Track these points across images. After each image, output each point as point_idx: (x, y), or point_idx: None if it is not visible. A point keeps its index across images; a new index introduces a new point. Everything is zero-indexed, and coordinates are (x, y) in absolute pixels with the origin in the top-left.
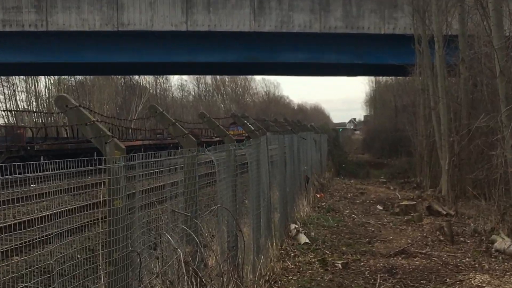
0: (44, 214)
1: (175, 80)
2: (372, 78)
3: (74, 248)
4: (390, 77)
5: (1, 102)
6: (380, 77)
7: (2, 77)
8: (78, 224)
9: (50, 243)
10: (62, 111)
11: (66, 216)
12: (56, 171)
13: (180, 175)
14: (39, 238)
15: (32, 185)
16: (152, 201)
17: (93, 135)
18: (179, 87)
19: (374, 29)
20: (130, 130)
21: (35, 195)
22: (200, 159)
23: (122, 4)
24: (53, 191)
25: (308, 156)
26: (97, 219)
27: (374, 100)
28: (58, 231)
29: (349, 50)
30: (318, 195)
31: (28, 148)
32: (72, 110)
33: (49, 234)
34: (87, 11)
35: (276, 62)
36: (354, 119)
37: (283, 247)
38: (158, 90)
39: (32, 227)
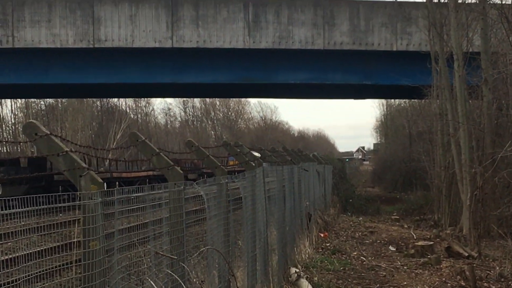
0: (8, 257)
1: (158, 103)
2: (383, 101)
3: None
4: (404, 100)
5: None
6: (392, 100)
7: None
8: (48, 269)
9: None
10: (31, 139)
11: (35, 259)
12: (23, 209)
13: (164, 212)
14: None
15: None
16: (133, 242)
17: (66, 167)
18: (163, 111)
19: (385, 45)
20: (108, 161)
21: None
22: (188, 193)
23: (98, 18)
24: (19, 230)
25: (311, 190)
26: (70, 263)
27: (385, 126)
28: (25, 277)
29: (357, 69)
30: (322, 235)
31: None
32: (42, 139)
33: (15, 280)
34: (59, 26)
35: (273, 83)
36: (363, 147)
37: None
38: (139, 115)
39: None
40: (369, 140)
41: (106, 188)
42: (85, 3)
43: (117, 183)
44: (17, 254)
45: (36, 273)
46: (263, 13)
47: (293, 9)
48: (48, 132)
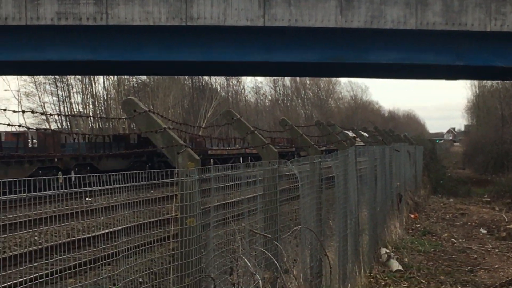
0: (100, 232)
1: (248, 81)
2: (475, 82)
3: (137, 271)
4: (496, 81)
5: (54, 105)
6: (484, 81)
7: (56, 76)
8: (145, 245)
9: (107, 265)
10: (130, 116)
11: (132, 234)
12: (119, 185)
13: (259, 190)
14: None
15: (87, 199)
16: (228, 220)
17: (163, 144)
18: (254, 89)
19: (478, 26)
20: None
21: (90, 210)
22: (281, 171)
23: None
24: (111, 205)
25: (401, 170)
26: (162, 239)
27: (477, 108)
28: (124, 251)
29: (449, 50)
30: (412, 216)
31: None
32: (141, 116)
33: (110, 256)
34: (152, 3)
35: (364, 62)
36: (453, 129)
37: (372, 274)
38: (230, 93)
39: (87, 246)
40: (459, 121)
41: (201, 165)
42: None
43: (211, 160)
44: (116, 228)
45: (136, 247)
46: None
47: None
48: (147, 109)
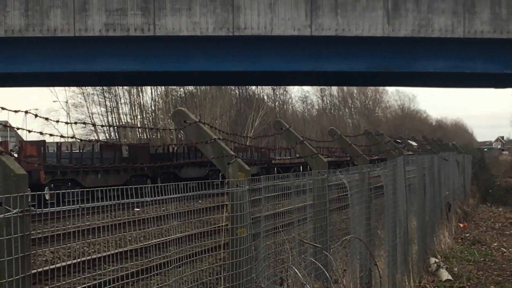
0: (148, 243)
1: (295, 91)
2: None
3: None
4: None
5: (102, 115)
6: None
7: (104, 87)
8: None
9: (157, 275)
10: (180, 127)
11: (183, 244)
12: (169, 196)
13: (308, 199)
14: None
15: (136, 209)
16: (277, 230)
17: (214, 155)
18: (301, 99)
19: None
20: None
21: (140, 220)
22: (330, 181)
23: (238, 6)
24: (160, 216)
25: (450, 179)
26: (211, 249)
27: None
28: (176, 260)
29: (497, 58)
30: (461, 225)
31: None
32: (191, 126)
33: (160, 266)
34: (199, 14)
35: (412, 71)
36: (502, 137)
37: (421, 284)
38: (277, 103)
39: (135, 256)
40: (508, 130)
41: (267, 173)
42: None
43: (275, 168)
44: (167, 238)
45: (186, 257)
46: (402, 1)
47: None
48: (197, 120)
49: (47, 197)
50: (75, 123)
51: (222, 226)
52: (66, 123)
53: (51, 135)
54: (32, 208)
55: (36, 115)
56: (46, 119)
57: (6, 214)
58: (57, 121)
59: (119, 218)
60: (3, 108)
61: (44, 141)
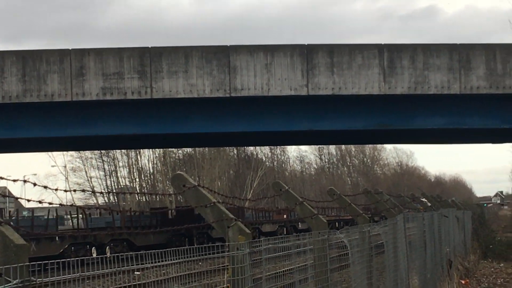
0: None
1: (293, 150)
2: None
3: None
4: None
5: (101, 179)
6: None
7: (102, 151)
8: None
9: None
10: (179, 191)
11: None
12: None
13: (309, 260)
14: None
15: (136, 273)
16: None
17: (213, 218)
18: (298, 158)
19: None
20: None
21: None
22: (331, 240)
23: (234, 67)
24: (162, 279)
25: (451, 236)
26: None
27: None
28: None
29: (495, 113)
30: (463, 281)
31: None
32: (190, 190)
33: None
34: (196, 76)
35: (409, 128)
36: (501, 192)
37: None
38: (275, 163)
39: None
40: (507, 185)
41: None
42: (220, 53)
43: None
44: None
45: None
46: (398, 59)
47: (428, 54)
48: (196, 184)
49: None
50: (74, 190)
51: None
52: (65, 191)
53: (50, 203)
54: (32, 278)
55: (34, 184)
56: (45, 187)
57: (6, 285)
58: (56, 189)
59: (119, 285)
60: (1, 178)
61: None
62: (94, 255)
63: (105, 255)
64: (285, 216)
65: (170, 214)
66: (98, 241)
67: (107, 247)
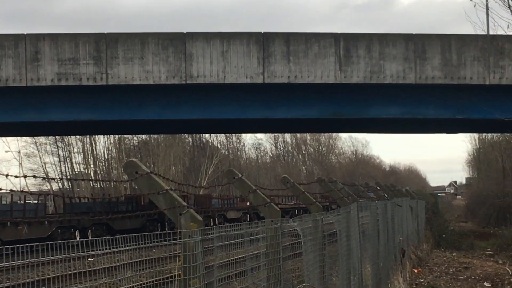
0: None
1: (248, 138)
2: (475, 135)
3: None
4: (496, 134)
5: (55, 165)
6: (485, 134)
7: (56, 137)
8: None
9: None
10: (132, 178)
11: None
12: (122, 248)
13: (262, 248)
14: None
15: (89, 259)
16: (231, 279)
17: (166, 206)
18: (254, 146)
19: (477, 79)
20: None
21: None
22: (284, 228)
23: (190, 54)
24: (114, 266)
25: (404, 225)
26: None
27: (478, 161)
28: None
29: (449, 104)
30: (416, 270)
31: None
32: (143, 178)
33: None
34: (152, 62)
35: (364, 117)
36: (455, 182)
37: None
38: (230, 151)
39: None
40: (461, 174)
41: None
42: (177, 40)
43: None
44: None
45: None
46: (354, 48)
47: (384, 43)
48: (149, 171)
49: None
50: (25, 176)
51: (175, 276)
52: (16, 176)
53: (0, 189)
54: None
55: None
56: None
57: None
58: (7, 175)
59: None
60: None
61: None
62: (78, 238)
63: (54, 242)
64: (248, 203)
65: (142, 200)
66: (81, 225)
67: (89, 230)
